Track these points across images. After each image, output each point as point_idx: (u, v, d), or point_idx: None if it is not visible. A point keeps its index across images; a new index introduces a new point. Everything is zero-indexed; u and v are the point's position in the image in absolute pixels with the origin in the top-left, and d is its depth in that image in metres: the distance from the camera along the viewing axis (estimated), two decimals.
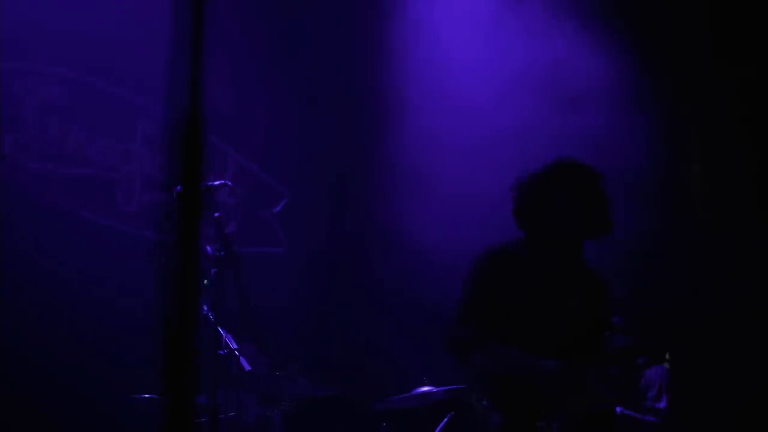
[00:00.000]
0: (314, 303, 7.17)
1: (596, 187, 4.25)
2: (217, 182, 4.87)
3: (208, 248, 4.81)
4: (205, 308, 4.88)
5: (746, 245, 7.19)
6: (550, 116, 6.84)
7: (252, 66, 7.15)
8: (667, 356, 6.94)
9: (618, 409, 6.21)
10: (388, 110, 7.20)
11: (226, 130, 7.17)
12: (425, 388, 5.88)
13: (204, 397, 4.69)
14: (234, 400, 5.21)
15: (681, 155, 7.86)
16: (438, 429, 5.90)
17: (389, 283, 7.00)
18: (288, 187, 7.52)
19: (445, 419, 5.93)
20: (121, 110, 6.74)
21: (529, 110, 6.85)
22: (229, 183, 4.94)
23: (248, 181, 7.30)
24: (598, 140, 6.47)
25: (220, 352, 4.95)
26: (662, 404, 6.42)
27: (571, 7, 7.17)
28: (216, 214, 4.82)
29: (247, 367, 5.05)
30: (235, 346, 5.03)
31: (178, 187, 5.08)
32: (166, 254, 1.90)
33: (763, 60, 7.12)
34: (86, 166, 6.60)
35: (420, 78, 7.13)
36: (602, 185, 4.27)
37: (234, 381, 5.13)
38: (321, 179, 7.49)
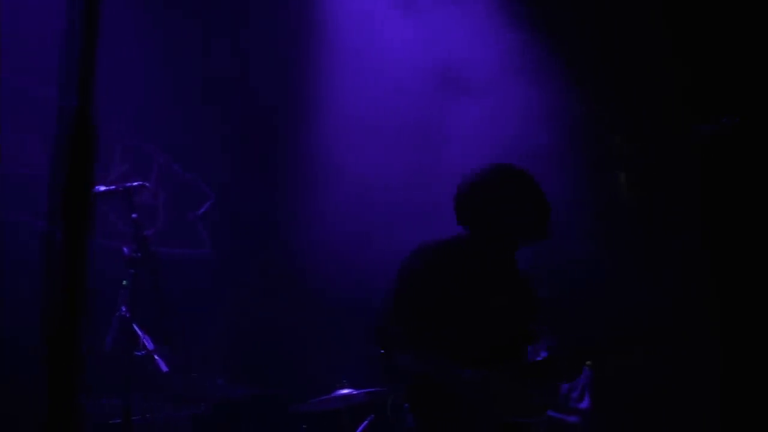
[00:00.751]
0: (237, 304, 7.15)
1: (538, 191, 4.34)
2: (135, 183, 4.84)
3: (125, 249, 4.78)
4: (123, 309, 4.85)
5: (671, 250, 7.29)
6: (455, 107, 6.88)
7: (172, 65, 7.10)
8: (589, 362, 7.04)
9: None
10: (306, 105, 7.19)
11: (152, 132, 7.13)
12: (345, 391, 5.90)
13: (117, 399, 4.67)
14: (149, 401, 5.19)
15: (607, 159, 7.97)
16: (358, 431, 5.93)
17: (312, 284, 6.99)
18: (213, 189, 7.49)
19: (365, 422, 5.96)
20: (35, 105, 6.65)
21: (440, 100, 6.90)
22: (148, 184, 4.91)
23: (174, 183, 7.26)
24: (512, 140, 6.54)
25: (137, 353, 4.92)
26: (585, 405, 6.49)
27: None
28: (134, 215, 4.79)
29: (164, 368, 5.03)
30: (153, 347, 5.00)
31: (97, 187, 5.03)
32: (53, 254, 1.89)
33: (686, 60, 7.23)
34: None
35: (335, 71, 7.13)
36: (542, 192, 4.35)
37: (150, 382, 5.10)
38: (246, 181, 7.45)
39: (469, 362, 4.04)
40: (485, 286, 4.26)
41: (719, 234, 6.76)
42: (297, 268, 7.13)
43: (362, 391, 5.88)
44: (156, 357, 5.00)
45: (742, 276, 6.47)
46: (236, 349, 6.90)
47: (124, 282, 4.79)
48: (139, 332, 4.95)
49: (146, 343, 5.00)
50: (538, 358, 4.37)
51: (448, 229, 4.36)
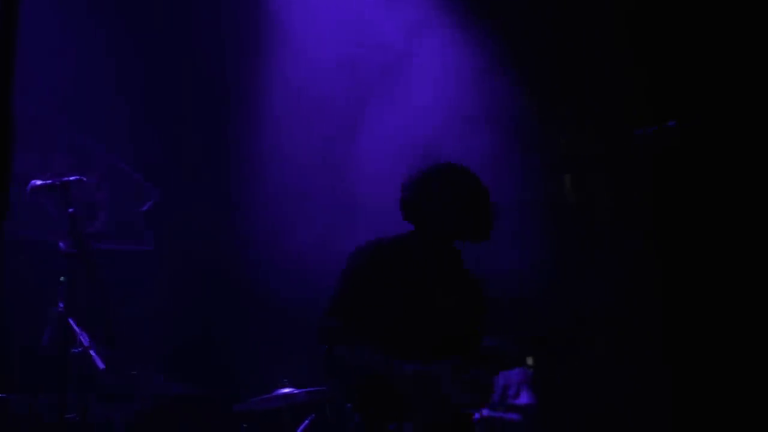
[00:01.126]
0: (179, 302, 7.09)
1: (481, 191, 4.37)
2: (72, 178, 4.79)
3: (62, 245, 4.73)
4: (60, 305, 4.80)
5: (615, 250, 7.35)
6: (392, 105, 6.89)
7: (117, 62, 7.05)
8: (530, 361, 7.07)
9: (485, 412, 6.31)
10: (254, 108, 7.16)
11: (97, 129, 7.07)
12: (286, 390, 5.88)
13: (53, 397, 4.61)
14: (85, 399, 5.14)
15: (550, 166, 8.01)
16: (299, 431, 5.90)
17: (255, 283, 6.95)
18: (158, 186, 7.43)
19: (306, 421, 5.94)
20: None
21: (381, 98, 6.90)
22: (85, 179, 4.86)
23: (117, 180, 7.20)
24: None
25: (74, 350, 4.86)
26: (523, 401, 6.52)
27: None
28: (70, 210, 4.73)
29: (101, 365, 4.97)
30: (89, 344, 4.94)
31: (34, 182, 4.96)
32: None
33: (633, 64, 7.28)
34: None
35: (269, 69, 7.11)
36: (486, 191, 4.38)
37: (86, 379, 5.05)
38: (190, 179, 7.40)
39: (411, 357, 4.04)
40: (429, 283, 4.27)
41: (663, 234, 6.83)
42: (240, 265, 7.09)
43: (303, 390, 5.86)
44: (92, 354, 4.94)
45: (686, 274, 6.54)
46: (176, 347, 6.84)
47: (62, 278, 4.74)
48: (76, 329, 4.89)
49: (83, 340, 4.94)
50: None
51: (394, 227, 4.38)
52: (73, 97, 6.75)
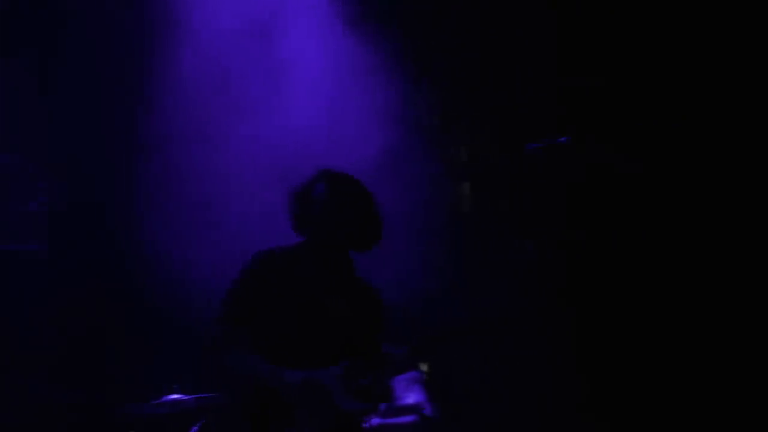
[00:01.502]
0: (66, 304, 6.95)
1: (365, 199, 4.37)
2: None
3: None
4: None
5: (509, 258, 7.46)
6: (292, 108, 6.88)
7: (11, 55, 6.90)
8: (424, 366, 7.11)
9: (375, 420, 6.33)
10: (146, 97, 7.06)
11: None
12: (175, 396, 5.82)
13: None
14: None
15: (450, 174, 8.07)
16: None
17: (144, 287, 6.86)
18: (50, 184, 7.28)
19: (194, 428, 5.88)
20: None
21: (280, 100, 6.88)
22: None
23: (4, 175, 7.05)
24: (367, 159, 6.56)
25: None
26: (413, 401, 6.56)
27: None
28: None
29: None
30: None
31: None
32: None
33: (526, 80, 7.39)
34: None
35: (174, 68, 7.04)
36: (371, 199, 4.39)
37: None
38: (82, 177, 7.25)
39: (302, 366, 4.05)
40: (319, 291, 4.27)
41: (554, 242, 6.95)
42: (132, 268, 6.98)
43: (192, 396, 5.81)
44: None
45: (582, 278, 6.67)
46: (65, 351, 6.71)
47: None
48: None
49: None
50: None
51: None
52: None
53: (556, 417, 6.80)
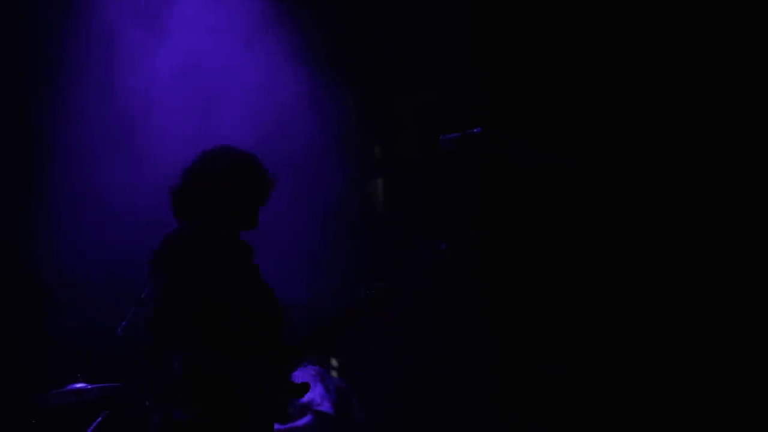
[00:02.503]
0: None
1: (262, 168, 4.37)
2: None
3: None
4: None
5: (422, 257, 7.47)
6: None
7: None
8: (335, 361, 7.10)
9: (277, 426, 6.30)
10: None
11: None
12: (79, 385, 5.70)
13: None
14: None
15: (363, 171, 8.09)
16: (90, 428, 5.73)
17: (50, 274, 6.74)
18: None
19: (99, 418, 5.77)
20: None
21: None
22: None
23: None
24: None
25: None
26: (309, 399, 6.55)
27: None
28: None
29: None
30: None
31: None
32: None
33: (443, 81, 7.44)
34: None
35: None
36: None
37: None
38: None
39: (241, 352, 4.04)
40: (244, 277, 4.24)
41: (469, 240, 6.99)
42: (35, 255, 6.85)
43: (97, 386, 5.70)
44: None
45: (497, 271, 6.73)
46: None
47: None
48: None
49: None
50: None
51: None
52: None
53: (465, 412, 6.84)
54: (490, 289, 6.65)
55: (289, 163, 6.03)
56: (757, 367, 5.72)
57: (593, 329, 6.21)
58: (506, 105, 6.90)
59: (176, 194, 4.34)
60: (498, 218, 6.50)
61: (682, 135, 6.18)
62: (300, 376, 6.19)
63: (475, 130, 4.58)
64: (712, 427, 5.76)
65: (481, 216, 6.77)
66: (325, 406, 6.34)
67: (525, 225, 6.48)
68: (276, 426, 4.62)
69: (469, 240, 6.96)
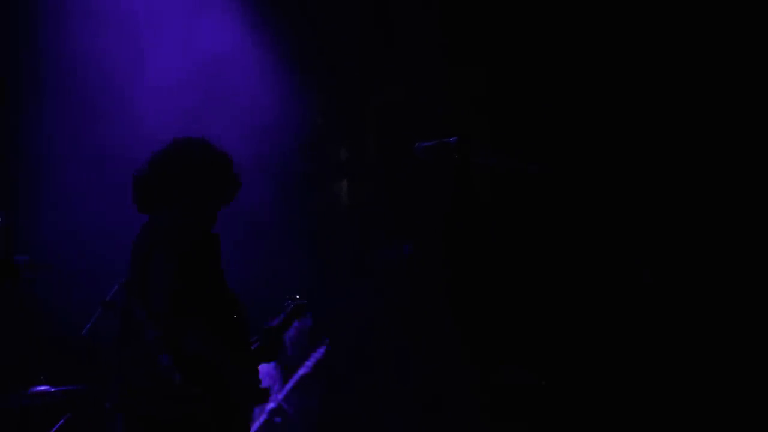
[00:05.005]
0: None
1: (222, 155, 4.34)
2: None
3: None
4: None
5: (383, 258, 7.50)
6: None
7: None
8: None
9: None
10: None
11: None
12: (42, 387, 5.62)
13: None
14: None
15: (330, 169, 8.07)
16: (52, 430, 5.66)
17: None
18: None
19: (61, 421, 5.70)
20: None
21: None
22: None
23: None
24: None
25: None
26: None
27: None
28: None
29: None
30: None
31: None
32: None
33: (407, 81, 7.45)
34: None
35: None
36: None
37: None
38: None
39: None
40: (220, 270, 4.21)
41: (434, 243, 7.01)
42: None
43: (60, 388, 5.63)
44: None
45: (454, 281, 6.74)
46: None
47: None
48: None
49: None
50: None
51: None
52: None
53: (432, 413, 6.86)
54: (456, 294, 6.65)
55: (255, 163, 6.03)
56: (745, 375, 5.78)
57: (565, 335, 6.24)
58: (471, 106, 6.90)
59: (142, 182, 4.25)
60: (467, 224, 6.49)
61: (655, 134, 6.23)
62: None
63: (450, 139, 4.56)
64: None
65: (450, 221, 6.77)
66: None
67: (495, 230, 6.50)
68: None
69: (435, 244, 6.97)
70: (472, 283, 6.40)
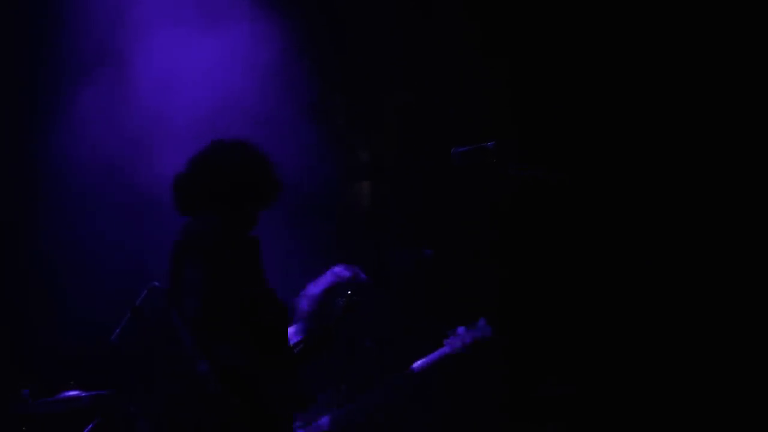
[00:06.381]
0: None
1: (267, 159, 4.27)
2: None
3: None
4: None
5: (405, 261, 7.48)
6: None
7: None
8: None
9: None
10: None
11: None
12: (72, 392, 5.61)
13: None
14: None
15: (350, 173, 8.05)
16: None
17: (43, 277, 6.65)
18: None
19: (90, 426, 5.68)
20: None
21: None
22: None
23: None
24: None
25: None
26: None
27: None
28: None
29: None
30: None
31: None
32: None
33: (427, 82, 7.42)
34: None
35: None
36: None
37: None
38: None
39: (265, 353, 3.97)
40: (260, 276, 4.14)
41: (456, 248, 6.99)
42: (29, 257, 6.74)
43: (89, 393, 5.62)
44: None
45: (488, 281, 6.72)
46: None
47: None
48: None
49: None
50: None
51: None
52: None
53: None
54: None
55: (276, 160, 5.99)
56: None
57: (598, 346, 6.22)
58: (498, 108, 6.88)
59: (180, 184, 4.20)
60: (505, 228, 6.49)
61: (679, 142, 6.23)
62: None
63: (488, 144, 4.54)
64: None
65: (481, 227, 6.76)
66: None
67: (526, 238, 6.49)
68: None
69: (458, 249, 6.95)
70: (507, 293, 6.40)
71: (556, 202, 6.28)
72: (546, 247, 6.53)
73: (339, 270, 5.43)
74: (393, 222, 7.80)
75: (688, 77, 6.26)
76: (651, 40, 6.38)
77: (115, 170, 6.67)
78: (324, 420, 5.65)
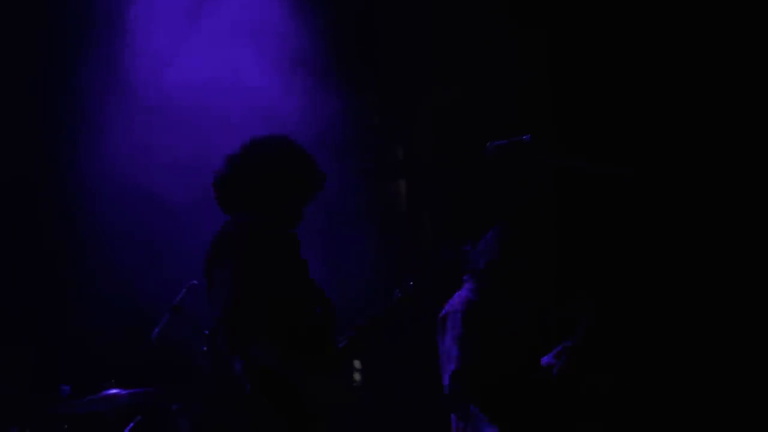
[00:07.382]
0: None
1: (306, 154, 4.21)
2: None
3: None
4: None
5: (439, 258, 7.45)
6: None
7: None
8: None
9: None
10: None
11: None
12: (113, 391, 5.65)
13: None
14: None
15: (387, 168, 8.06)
16: None
17: (82, 276, 6.70)
18: None
19: (131, 424, 5.72)
20: None
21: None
22: None
23: None
24: None
25: None
26: None
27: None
28: None
29: None
30: None
31: None
32: None
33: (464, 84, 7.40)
34: None
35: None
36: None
37: None
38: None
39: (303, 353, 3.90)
40: (301, 275, 4.09)
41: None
42: (67, 256, 6.80)
43: (130, 391, 5.66)
44: None
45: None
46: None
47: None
48: None
49: None
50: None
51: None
52: None
53: None
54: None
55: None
56: None
57: (641, 340, 6.17)
58: (532, 106, 6.85)
59: (221, 182, 4.16)
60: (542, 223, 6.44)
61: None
62: None
63: (524, 138, 4.48)
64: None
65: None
66: None
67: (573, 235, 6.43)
68: None
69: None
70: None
71: (594, 195, 6.23)
72: (584, 240, 6.49)
73: None
74: (432, 219, 7.79)
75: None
76: (673, 36, 6.35)
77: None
78: None
